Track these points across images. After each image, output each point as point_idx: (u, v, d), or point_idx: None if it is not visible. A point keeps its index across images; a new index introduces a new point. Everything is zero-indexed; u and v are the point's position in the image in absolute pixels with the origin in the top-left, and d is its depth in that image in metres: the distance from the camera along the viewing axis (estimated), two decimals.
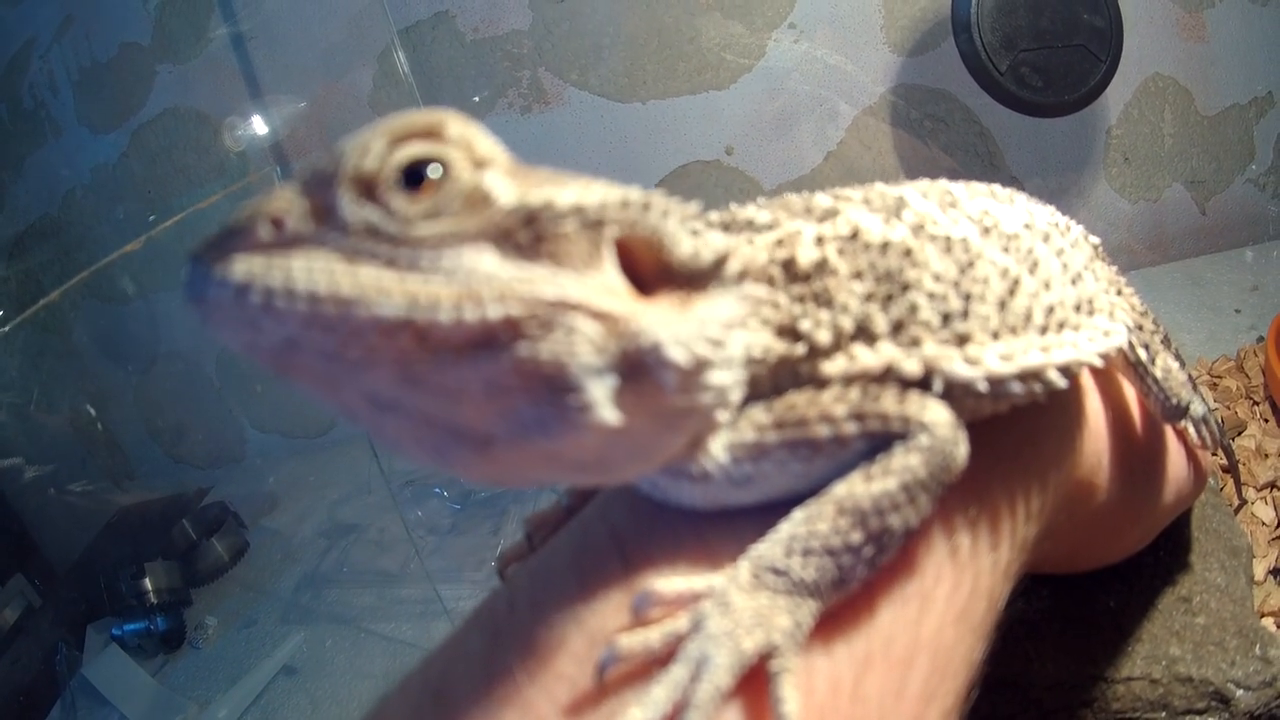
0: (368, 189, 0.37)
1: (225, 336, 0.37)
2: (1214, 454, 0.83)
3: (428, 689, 0.43)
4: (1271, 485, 1.33)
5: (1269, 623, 1.13)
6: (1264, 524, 1.26)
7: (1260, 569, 1.19)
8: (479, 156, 0.39)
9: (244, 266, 0.36)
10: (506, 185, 0.39)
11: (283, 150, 2.38)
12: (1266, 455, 1.39)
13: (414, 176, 0.37)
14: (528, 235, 0.38)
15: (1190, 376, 0.83)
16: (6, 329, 2.18)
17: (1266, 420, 1.48)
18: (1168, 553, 0.85)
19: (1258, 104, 2.19)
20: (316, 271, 0.36)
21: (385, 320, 0.36)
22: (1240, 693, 0.76)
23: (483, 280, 0.37)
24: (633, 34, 2.19)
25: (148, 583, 1.91)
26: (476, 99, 2.25)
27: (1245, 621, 0.81)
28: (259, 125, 2.39)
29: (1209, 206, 2.25)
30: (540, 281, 0.37)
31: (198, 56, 2.36)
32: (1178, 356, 0.83)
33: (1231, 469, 1.14)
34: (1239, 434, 1.45)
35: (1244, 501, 1.29)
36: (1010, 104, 1.86)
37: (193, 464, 2.70)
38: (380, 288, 0.36)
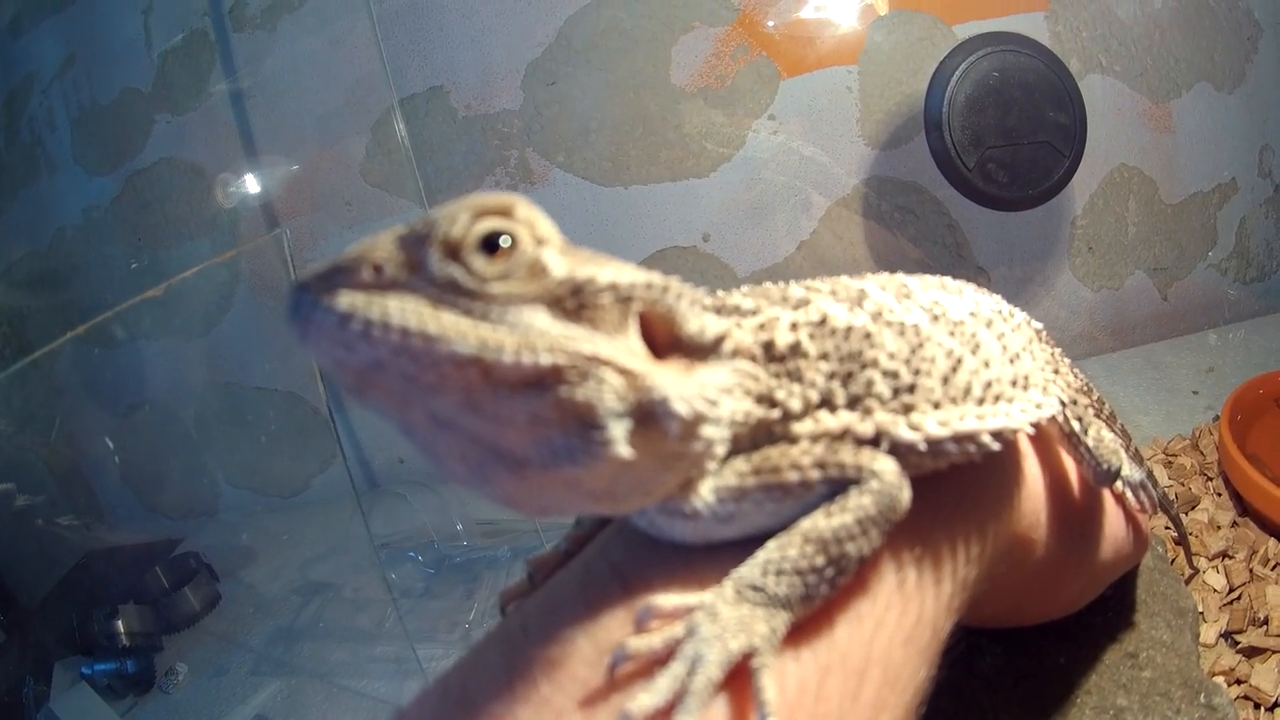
0: (453, 251, 0.45)
1: (319, 353, 0.45)
2: (1151, 516, 0.90)
3: (449, 695, 0.49)
4: (1223, 555, 1.38)
5: (1220, 680, 1.17)
6: (1215, 590, 1.32)
7: (1212, 633, 1.24)
8: (539, 235, 0.47)
9: (348, 299, 0.44)
10: (559, 261, 0.47)
11: (273, 211, 2.43)
12: (1219, 527, 1.44)
13: (489, 245, 0.45)
14: (573, 302, 0.47)
15: (1136, 450, 0.91)
16: (17, 367, 2.18)
17: (1219, 494, 1.53)
18: (1116, 614, 0.91)
19: (1221, 190, 2.23)
20: (408, 312, 0.44)
21: (460, 356, 0.43)
22: None
23: (537, 334, 0.45)
24: (618, 120, 2.25)
25: (120, 624, 1.91)
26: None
27: (1190, 674, 0.86)
28: (251, 184, 2.44)
29: (1171, 292, 2.29)
30: (580, 340, 0.46)
31: (196, 109, 2.41)
32: (1124, 432, 0.92)
33: (1182, 540, 1.21)
34: (1192, 508, 1.50)
35: (1196, 570, 1.34)
36: (977, 199, 1.92)
37: (165, 513, 2.69)
38: (458, 330, 0.44)
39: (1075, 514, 0.77)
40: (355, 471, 2.49)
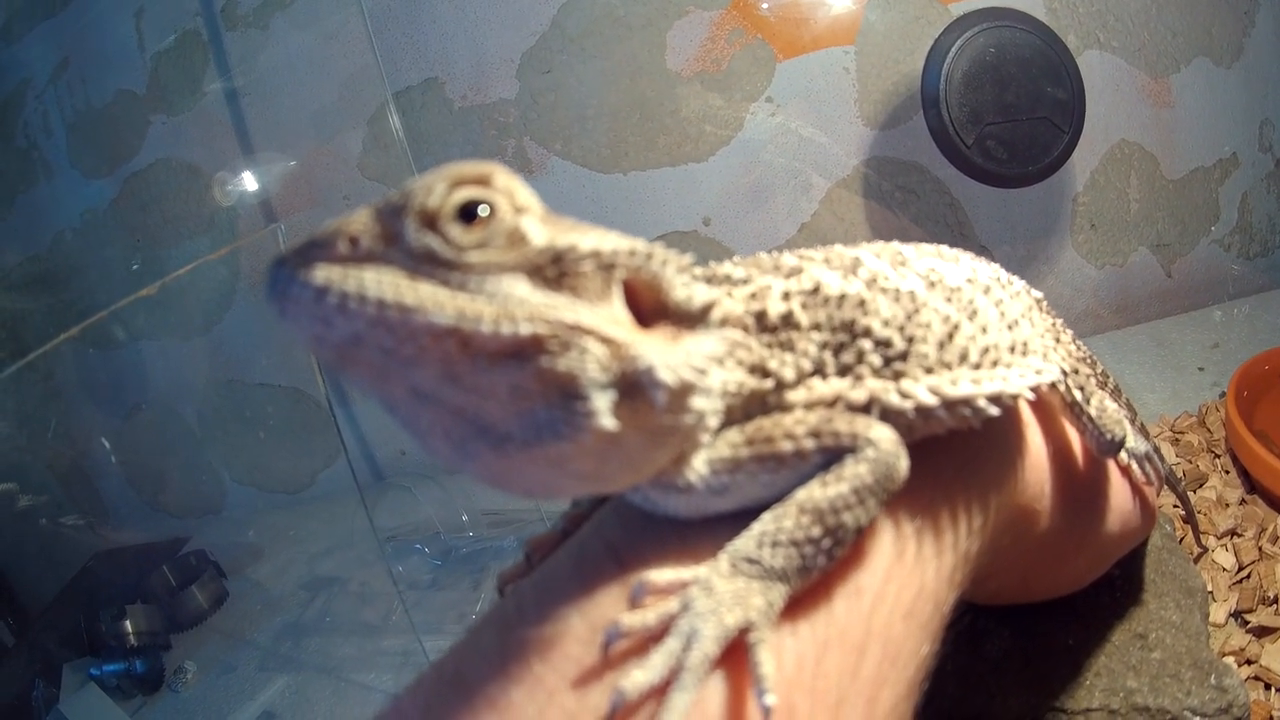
0: (430, 221, 0.44)
1: (298, 330, 0.44)
2: (1158, 489, 0.89)
3: (444, 678, 0.48)
4: (1232, 533, 1.37)
5: (1230, 660, 1.16)
6: (1225, 569, 1.31)
7: (1221, 612, 1.24)
8: (519, 204, 0.46)
9: (324, 273, 0.43)
10: (539, 229, 0.46)
11: (272, 208, 2.42)
12: (1227, 505, 1.43)
13: (467, 214, 0.44)
14: (554, 270, 0.46)
15: (1142, 424, 0.90)
16: (11, 370, 2.18)
17: (1227, 472, 1.52)
18: (1124, 594, 0.90)
19: (1223, 165, 2.21)
20: (385, 284, 0.43)
21: (438, 327, 0.42)
22: None
23: (516, 303, 0.44)
24: (615, 106, 2.24)
25: (128, 624, 1.92)
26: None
27: (1200, 654, 0.85)
28: (249, 181, 2.44)
29: (1174, 269, 2.27)
30: (562, 308, 0.45)
31: (191, 109, 2.40)
32: (1129, 406, 0.91)
33: (1190, 518, 1.20)
34: (1200, 486, 1.49)
35: (1205, 549, 1.33)
36: (977, 176, 1.91)
37: (170, 512, 2.70)
38: (436, 301, 0.43)
39: (1080, 485, 0.76)
40: (359, 465, 2.49)
